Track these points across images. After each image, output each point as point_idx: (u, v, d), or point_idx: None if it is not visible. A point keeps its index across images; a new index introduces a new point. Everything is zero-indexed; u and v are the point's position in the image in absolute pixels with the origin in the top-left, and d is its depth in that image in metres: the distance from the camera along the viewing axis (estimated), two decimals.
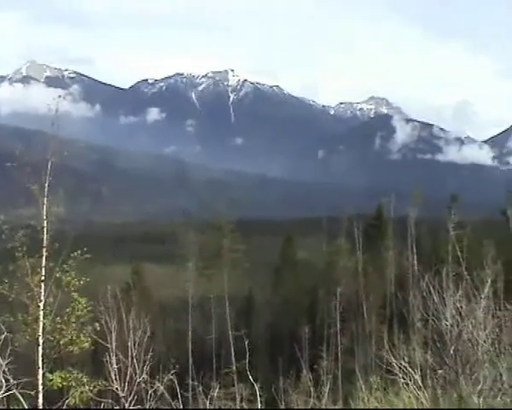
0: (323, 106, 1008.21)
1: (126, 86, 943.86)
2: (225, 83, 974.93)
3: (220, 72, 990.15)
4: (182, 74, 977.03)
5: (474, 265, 13.54)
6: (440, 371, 10.42)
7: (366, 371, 42.94)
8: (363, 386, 15.13)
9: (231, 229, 68.67)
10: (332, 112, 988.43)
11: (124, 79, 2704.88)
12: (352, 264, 70.98)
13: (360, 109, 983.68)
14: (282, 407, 18.60)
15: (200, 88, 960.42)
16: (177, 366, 20.80)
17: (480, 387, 9.49)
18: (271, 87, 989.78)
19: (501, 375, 9.71)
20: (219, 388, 20.80)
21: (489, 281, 10.47)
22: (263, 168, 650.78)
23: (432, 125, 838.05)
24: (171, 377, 17.32)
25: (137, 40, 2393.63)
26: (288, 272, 79.98)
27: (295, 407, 17.77)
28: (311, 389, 15.10)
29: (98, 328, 16.78)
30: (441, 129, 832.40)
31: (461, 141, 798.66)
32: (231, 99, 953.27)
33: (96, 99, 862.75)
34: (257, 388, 15.81)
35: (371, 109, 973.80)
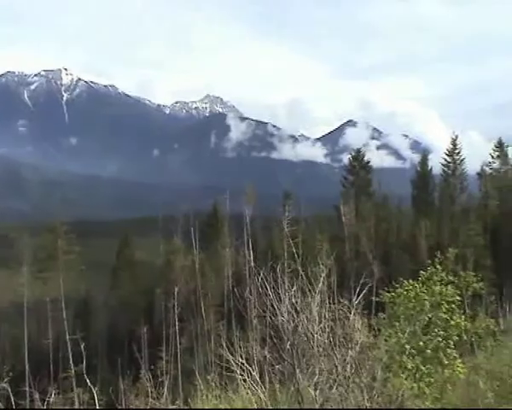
0: (159, 105, 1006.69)
1: None
2: (58, 82, 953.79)
3: (53, 70, 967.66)
4: (13, 72, 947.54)
5: (309, 260, 13.83)
6: (278, 366, 10.55)
7: (206, 370, 43.14)
8: (201, 385, 15.19)
9: (66, 230, 67.15)
10: (167, 111, 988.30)
11: None
12: (189, 263, 71.10)
13: (195, 108, 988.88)
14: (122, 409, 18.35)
15: (32, 87, 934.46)
16: (10, 374, 20.05)
17: (316, 379, 9.69)
18: (106, 86, 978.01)
19: (336, 367, 9.95)
20: (58, 393, 20.27)
21: (323, 276, 10.72)
22: (98, 168, 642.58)
23: (266, 123, 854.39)
24: (5, 385, 16.71)
25: None
26: (125, 272, 79.29)
27: (134, 408, 17.57)
28: (150, 390, 14.95)
29: None
30: (275, 127, 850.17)
31: (294, 139, 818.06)
32: (65, 98, 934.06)
33: None
34: (95, 391, 15.49)
35: (206, 108, 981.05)
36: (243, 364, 10.38)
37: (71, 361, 56.52)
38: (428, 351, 13.81)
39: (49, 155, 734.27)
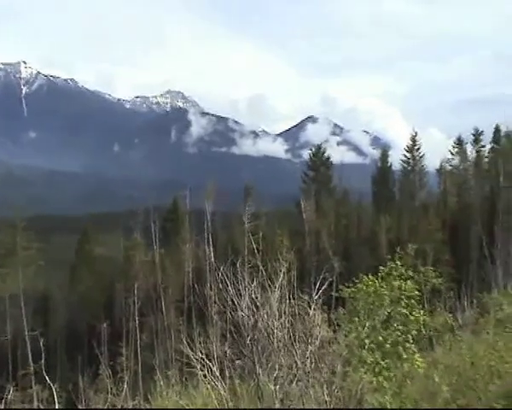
0: (119, 100, 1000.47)
1: None
2: (17, 75, 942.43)
3: (12, 64, 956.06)
4: None
5: (269, 255, 13.86)
6: (238, 362, 10.55)
7: (166, 366, 43.05)
8: (161, 381, 15.14)
9: (25, 226, 66.44)
10: (128, 105, 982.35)
11: None
12: (149, 258, 70.88)
13: (156, 103, 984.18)
14: (81, 406, 18.19)
15: None
16: None
17: (276, 374, 9.70)
18: (66, 80, 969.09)
19: (296, 362, 9.97)
20: (16, 390, 20.05)
21: (283, 271, 10.73)
22: (58, 163, 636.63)
23: (227, 118, 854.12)
24: None
25: None
26: (85, 268, 78.76)
27: (94, 406, 17.42)
28: (110, 386, 14.84)
29: None
30: (236, 122, 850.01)
31: (255, 134, 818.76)
32: (24, 92, 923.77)
33: None
34: (54, 389, 15.33)
35: (167, 103, 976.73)
36: (203, 359, 10.36)
37: (30, 358, 56.03)
38: (388, 346, 13.90)
39: (7, 149, 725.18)
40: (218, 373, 10.20)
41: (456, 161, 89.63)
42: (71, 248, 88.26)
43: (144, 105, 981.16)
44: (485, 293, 22.57)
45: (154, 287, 67.57)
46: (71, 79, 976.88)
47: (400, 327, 14.48)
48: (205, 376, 10.29)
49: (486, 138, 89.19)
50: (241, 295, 10.26)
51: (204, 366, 10.27)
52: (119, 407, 13.07)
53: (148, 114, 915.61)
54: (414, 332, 14.65)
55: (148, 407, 14.90)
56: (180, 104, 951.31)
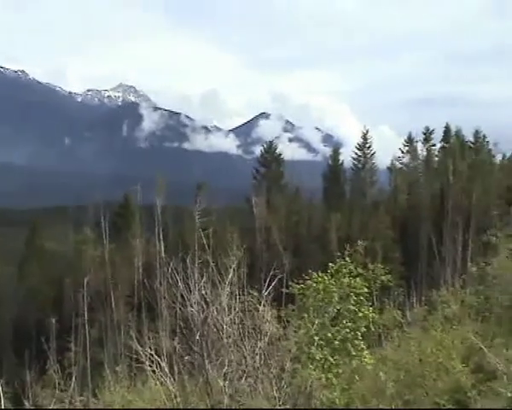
0: (70, 93, 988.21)
1: None
2: None
3: None
4: None
5: (220, 252, 13.84)
6: (187, 357, 10.51)
7: (115, 361, 42.75)
8: (110, 376, 15.05)
9: None
10: (79, 99, 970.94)
11: None
12: (99, 253, 70.35)
13: (108, 97, 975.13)
14: (29, 401, 17.97)
15: None
16: None
17: (225, 370, 9.69)
18: (16, 72, 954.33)
19: (245, 358, 9.97)
20: None
21: (233, 267, 10.72)
22: (7, 156, 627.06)
23: (179, 113, 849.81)
24: None
25: None
26: (34, 262, 77.81)
27: (41, 401, 17.21)
28: (58, 381, 14.70)
29: None
30: (188, 117, 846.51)
31: (207, 130, 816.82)
32: None
33: None
34: (0, 384, 15.12)
35: (119, 97, 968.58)
36: (152, 355, 10.32)
37: None
38: (337, 342, 13.98)
39: None
40: (167, 369, 10.16)
41: (406, 159, 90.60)
42: (19, 241, 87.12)
43: (96, 99, 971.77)
44: (433, 290, 22.82)
45: (104, 282, 67.07)
46: (21, 71, 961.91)
47: (349, 324, 14.57)
48: (154, 371, 10.25)
49: (437, 137, 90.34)
50: (190, 290, 10.23)
51: (153, 361, 10.23)
52: (67, 401, 12.95)
53: (100, 108, 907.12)
54: (363, 329, 14.76)
55: (95, 401, 14.79)
56: (132, 98, 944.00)
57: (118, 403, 12.85)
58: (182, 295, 10.33)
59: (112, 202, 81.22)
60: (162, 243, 64.08)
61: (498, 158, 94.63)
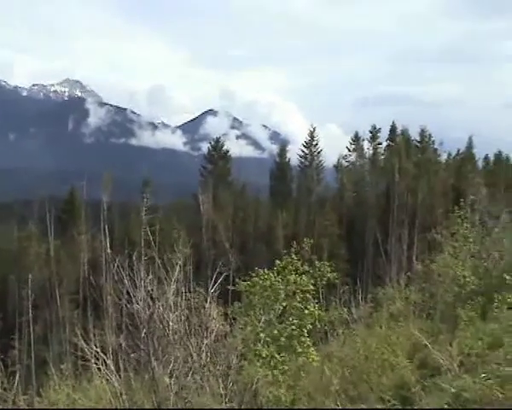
0: (15, 87, 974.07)
1: None
2: None
3: None
4: None
5: (166, 248, 13.80)
6: (133, 355, 10.45)
7: (60, 359, 42.33)
8: (55, 374, 14.87)
9: None
10: (24, 93, 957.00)
11: None
12: (44, 249, 69.58)
13: (54, 91, 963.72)
14: None
15: None
16: None
17: (171, 367, 9.66)
18: None
19: (191, 355, 9.96)
20: None
21: (179, 264, 10.70)
22: None
23: (126, 109, 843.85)
24: None
25: None
26: None
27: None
28: (2, 381, 14.47)
29: None
30: (135, 113, 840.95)
31: (154, 126, 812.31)
32: None
33: None
34: None
35: (65, 92, 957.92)
36: (98, 352, 10.22)
37: None
38: (283, 339, 14.03)
39: None
40: (112, 366, 10.08)
41: (353, 157, 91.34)
42: None
43: (41, 93, 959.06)
44: (379, 288, 23.04)
45: (49, 279, 66.37)
46: None
47: (295, 321, 14.62)
48: (99, 369, 10.16)
49: (383, 136, 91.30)
50: (136, 287, 10.17)
51: (98, 359, 10.14)
52: (11, 401, 12.76)
53: (45, 103, 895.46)
54: (309, 326, 14.83)
55: (39, 400, 14.60)
56: (78, 94, 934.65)
57: (63, 402, 12.70)
58: (128, 292, 10.27)
59: (57, 198, 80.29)
60: (108, 239, 63.53)
61: (444, 157, 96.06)
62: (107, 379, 9.89)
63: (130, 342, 10.58)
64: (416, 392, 9.28)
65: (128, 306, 10.36)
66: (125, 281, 10.21)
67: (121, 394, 9.44)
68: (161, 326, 10.12)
